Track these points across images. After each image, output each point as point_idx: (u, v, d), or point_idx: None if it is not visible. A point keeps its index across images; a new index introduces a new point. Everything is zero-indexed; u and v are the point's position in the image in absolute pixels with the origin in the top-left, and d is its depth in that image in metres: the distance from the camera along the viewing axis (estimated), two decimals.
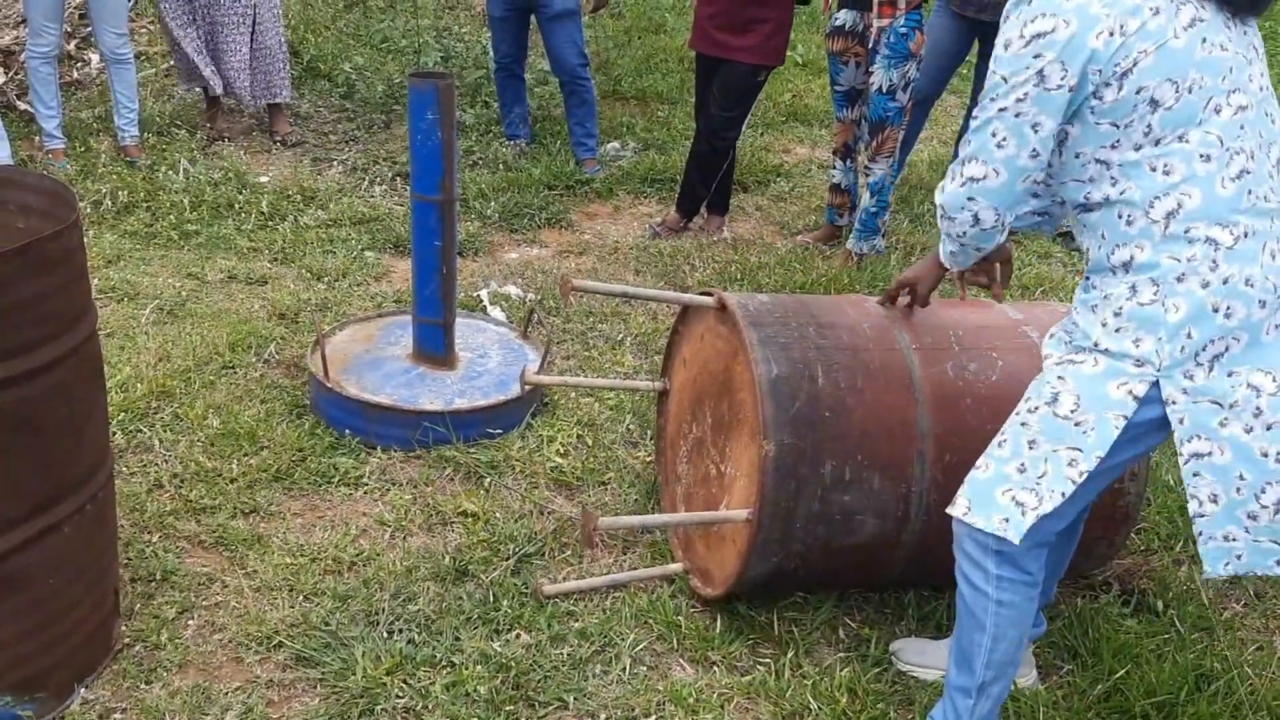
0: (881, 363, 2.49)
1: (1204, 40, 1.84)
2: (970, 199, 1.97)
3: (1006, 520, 1.97)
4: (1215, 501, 1.90)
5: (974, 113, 1.97)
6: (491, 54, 5.77)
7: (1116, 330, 1.91)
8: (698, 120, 4.92)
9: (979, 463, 2.06)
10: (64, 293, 2.02)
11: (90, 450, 2.17)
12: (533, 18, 5.45)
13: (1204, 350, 1.85)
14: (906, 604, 2.71)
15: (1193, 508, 1.92)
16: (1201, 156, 1.84)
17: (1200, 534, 1.93)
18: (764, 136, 6.41)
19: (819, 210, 5.29)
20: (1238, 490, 1.89)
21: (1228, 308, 1.84)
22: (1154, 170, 1.86)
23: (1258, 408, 1.86)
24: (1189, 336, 1.85)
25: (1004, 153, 1.91)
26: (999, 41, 1.91)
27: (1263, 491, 1.89)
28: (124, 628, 2.44)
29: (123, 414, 3.21)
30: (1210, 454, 1.88)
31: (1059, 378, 1.96)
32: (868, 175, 4.67)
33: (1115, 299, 1.91)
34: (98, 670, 2.32)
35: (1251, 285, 1.84)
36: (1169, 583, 2.87)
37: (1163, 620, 2.71)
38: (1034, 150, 1.90)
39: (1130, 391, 1.88)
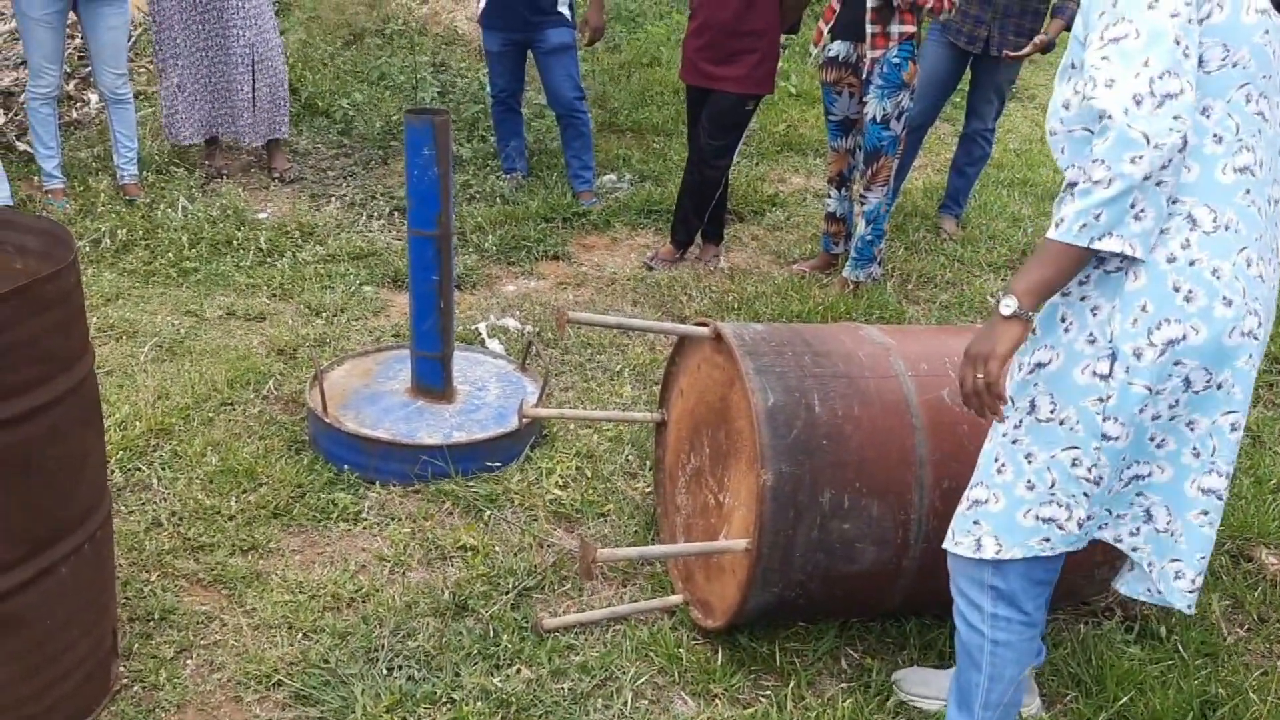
0: (878, 389, 2.49)
1: (1265, 31, 1.83)
2: (1176, 117, 1.68)
3: (1048, 540, 1.95)
4: (1097, 483, 1.90)
5: (1111, 33, 1.73)
6: (488, 88, 5.81)
7: (1081, 299, 1.86)
8: (690, 150, 4.95)
9: (979, 495, 2.01)
10: (61, 333, 2.03)
11: (88, 490, 2.17)
12: (529, 52, 5.50)
13: (1158, 329, 1.80)
14: (908, 633, 2.69)
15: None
16: (1215, 137, 1.81)
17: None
18: (759, 166, 6.45)
19: (815, 239, 5.32)
20: (1121, 475, 1.92)
21: (1189, 291, 1.80)
22: None
23: (1176, 400, 1.85)
24: (1144, 309, 1.81)
25: (1189, 63, 1.72)
26: None
27: (1128, 468, 1.93)
28: (122, 668, 2.43)
29: (121, 452, 3.21)
30: (1116, 439, 1.86)
31: (1034, 385, 1.92)
32: (863, 204, 4.70)
33: (1084, 273, 1.86)
34: (95, 712, 2.30)
35: (1218, 277, 1.80)
36: (1171, 609, 2.85)
37: (1166, 646, 2.69)
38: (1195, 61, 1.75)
39: (1094, 372, 1.85)
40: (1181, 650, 2.67)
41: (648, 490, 3.22)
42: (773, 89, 4.81)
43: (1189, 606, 2.00)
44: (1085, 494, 1.91)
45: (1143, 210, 1.73)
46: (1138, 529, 2.01)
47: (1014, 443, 1.96)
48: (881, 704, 2.47)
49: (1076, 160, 1.80)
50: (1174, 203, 1.81)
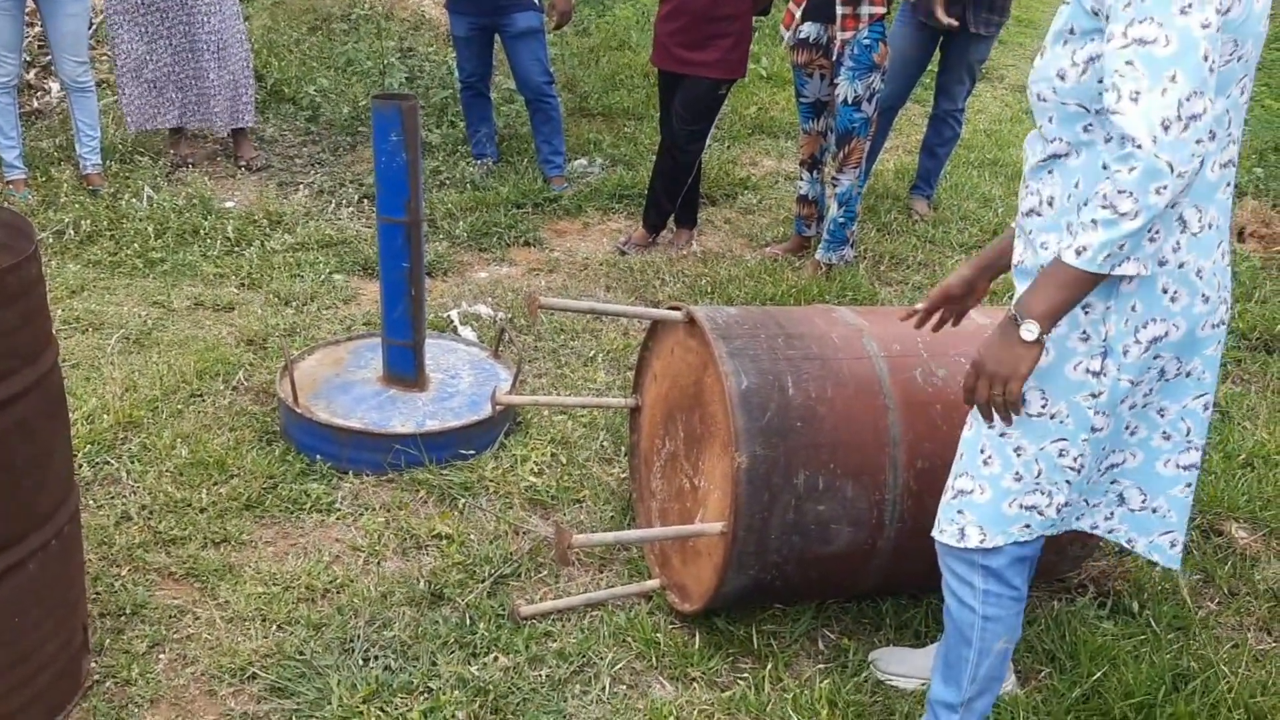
0: (851, 371, 2.49)
1: (1263, 21, 1.75)
2: (1199, 141, 1.62)
3: (1028, 526, 1.98)
4: (1078, 471, 1.94)
5: (1138, 32, 1.62)
6: (457, 74, 5.76)
7: None
8: (663, 135, 4.93)
9: (964, 485, 2.00)
10: (24, 326, 1.99)
11: (54, 485, 2.14)
12: (497, 37, 5.45)
13: (1145, 328, 1.83)
14: (884, 613, 2.71)
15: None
16: (1210, 134, 1.73)
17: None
18: (731, 149, 6.43)
19: (787, 222, 5.32)
20: (1100, 463, 1.96)
21: (1175, 291, 1.81)
22: None
23: (1150, 388, 1.90)
24: (1133, 310, 1.82)
25: (1213, 79, 1.63)
26: None
27: (1106, 458, 1.97)
28: (94, 664, 2.40)
29: (89, 446, 3.17)
30: (1101, 430, 1.90)
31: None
32: (835, 186, 4.69)
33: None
34: (67, 709, 2.27)
35: (1200, 277, 1.82)
36: (1144, 584, 2.88)
37: (1139, 621, 2.72)
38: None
39: (1087, 369, 1.86)
40: (1154, 625, 2.70)
41: (623, 476, 3.22)
42: (745, 73, 4.79)
43: (1173, 563, 2.08)
44: (1068, 481, 1.95)
45: (1156, 231, 1.73)
46: (1111, 513, 2.07)
47: (1002, 435, 1.95)
48: (859, 684, 2.48)
49: (1101, 190, 1.68)
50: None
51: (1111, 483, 2.03)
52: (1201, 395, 1.93)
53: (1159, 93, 1.59)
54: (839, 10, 4.35)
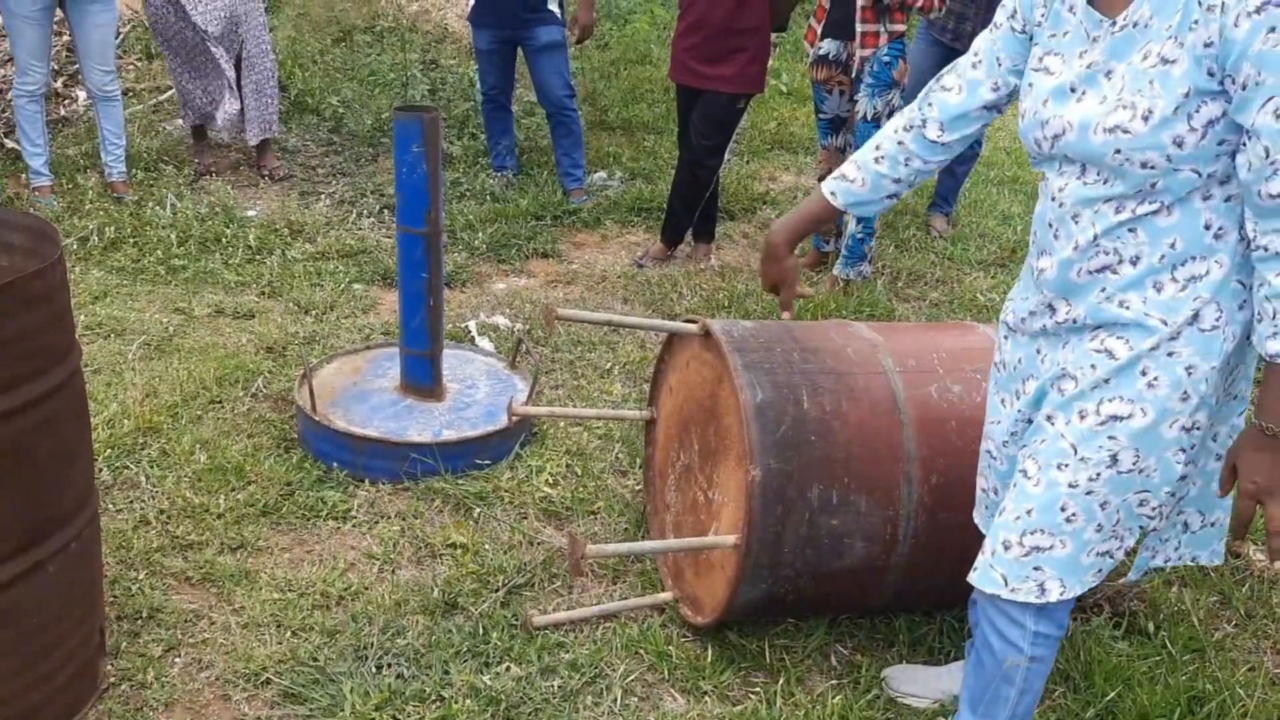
0: (866, 386, 2.50)
1: None
2: None
3: (1100, 571, 1.96)
4: (1165, 518, 1.97)
5: None
6: (479, 86, 5.80)
7: (1169, 355, 1.80)
8: (681, 149, 4.95)
9: (1041, 542, 1.92)
10: (48, 330, 2.02)
11: (76, 487, 2.16)
12: (519, 50, 5.49)
13: (1235, 382, 1.87)
14: (897, 630, 2.70)
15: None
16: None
17: (1147, 546, 2.08)
18: (750, 164, 6.45)
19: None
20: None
21: (1246, 335, 1.82)
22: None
23: (1217, 414, 1.89)
24: (1228, 363, 1.82)
25: None
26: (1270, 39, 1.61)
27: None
28: (110, 666, 2.42)
29: (109, 450, 3.20)
30: (1187, 477, 1.91)
31: (1110, 438, 1.84)
32: None
33: (1169, 325, 1.79)
34: (83, 710, 2.29)
35: (1245, 286, 1.81)
36: (1159, 604, 2.86)
37: (1154, 642, 2.70)
38: None
39: (1183, 426, 1.83)
40: (1169, 646, 2.68)
41: (638, 488, 3.22)
42: (764, 88, 4.81)
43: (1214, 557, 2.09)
44: (1141, 527, 1.94)
45: None
46: (1179, 542, 2.06)
47: (1088, 494, 1.89)
48: (871, 701, 2.47)
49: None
50: (1250, 253, 1.74)
51: (1179, 514, 2.01)
52: (1244, 412, 1.94)
53: None
54: (859, 28, 4.36)
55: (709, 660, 2.56)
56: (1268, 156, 1.62)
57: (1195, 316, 1.78)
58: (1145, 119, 1.72)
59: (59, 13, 5.01)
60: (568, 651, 2.57)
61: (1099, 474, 1.86)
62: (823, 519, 2.40)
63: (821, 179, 4.87)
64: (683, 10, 4.69)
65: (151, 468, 3.17)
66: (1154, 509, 1.91)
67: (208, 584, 2.74)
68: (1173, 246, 1.77)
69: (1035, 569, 1.94)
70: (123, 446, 3.24)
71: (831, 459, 2.40)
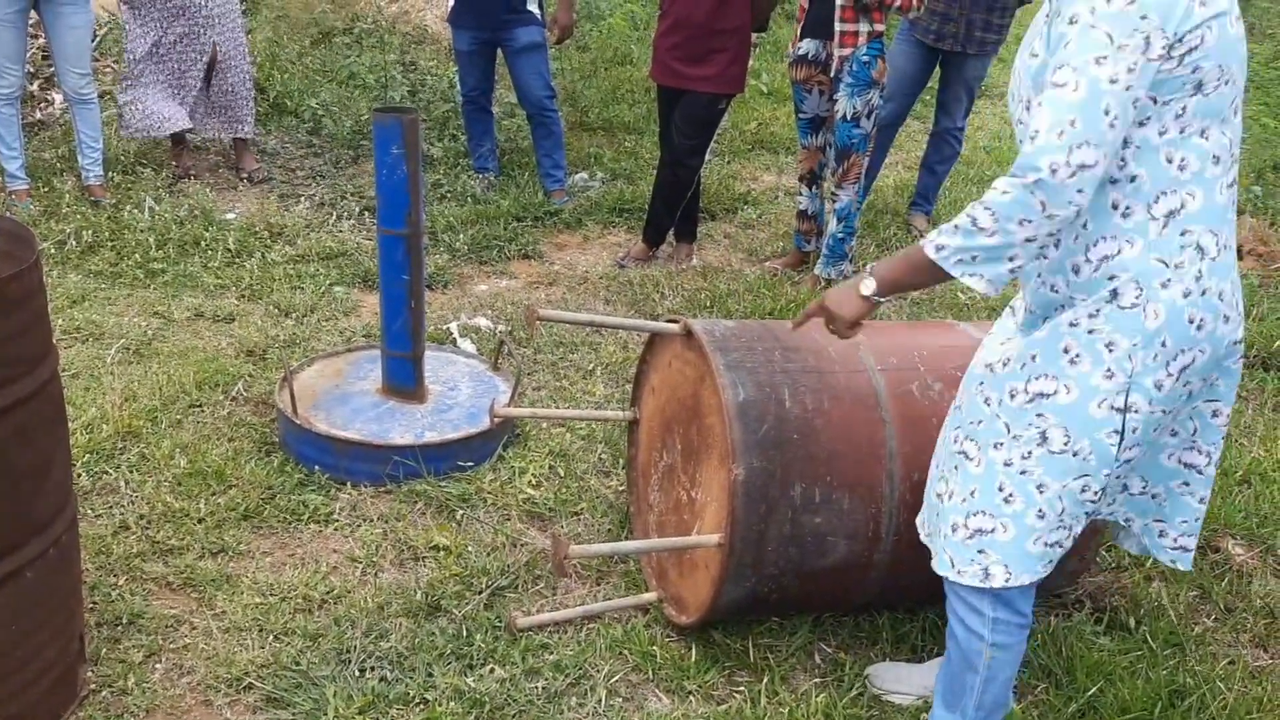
0: (847, 384, 2.50)
1: (1240, 39, 1.78)
2: (1080, 191, 1.69)
3: (1051, 561, 1.99)
4: (1098, 500, 1.98)
5: (1055, 77, 1.69)
6: (459, 88, 5.79)
7: (1089, 332, 1.84)
8: (662, 149, 4.95)
9: (983, 524, 1.98)
10: (24, 334, 2.00)
11: (53, 494, 2.14)
12: (499, 51, 5.48)
13: (1175, 360, 1.84)
14: (881, 627, 2.71)
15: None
16: (1214, 158, 1.78)
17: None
18: (731, 165, 6.46)
19: (786, 237, 5.33)
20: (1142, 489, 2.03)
21: (1200, 319, 1.83)
22: (1170, 162, 1.75)
23: (1177, 410, 1.93)
24: (1163, 345, 1.82)
25: (1114, 134, 1.68)
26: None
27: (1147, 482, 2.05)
28: (90, 673, 2.40)
29: (88, 455, 3.18)
30: (1132, 460, 1.94)
31: (1038, 415, 1.90)
32: (834, 201, 4.71)
33: (1089, 302, 1.84)
34: (64, 718, 2.27)
35: (1222, 299, 1.84)
36: (1140, 600, 2.88)
37: (1135, 637, 2.72)
38: (1123, 130, 1.71)
39: (1111, 406, 1.86)
40: (1150, 641, 2.70)
41: (621, 489, 3.22)
42: (744, 88, 4.82)
43: (1173, 562, 2.11)
44: (1087, 513, 1.97)
45: (1015, 261, 1.77)
46: (1114, 499, 2.10)
47: (1023, 473, 1.93)
48: (855, 699, 2.48)
49: (984, 197, 1.77)
50: (1183, 234, 1.79)
51: (1118, 478, 2.03)
52: (1212, 401, 1.96)
53: (1055, 135, 1.66)
54: (838, 27, 4.38)
55: (693, 660, 2.56)
56: (1032, 108, 1.79)
57: (1114, 294, 1.82)
58: (1028, 108, 1.84)
59: (34, 15, 4.97)
60: (552, 653, 2.56)
61: (1030, 452, 1.91)
62: (806, 517, 2.41)
63: (802, 178, 4.91)
64: (663, 10, 4.69)
65: (131, 472, 3.15)
66: (1096, 494, 1.94)
67: (189, 589, 2.72)
68: (1085, 227, 1.83)
69: (980, 552, 1.99)
70: (102, 451, 3.22)
71: (814, 457, 2.41)
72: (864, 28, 4.37)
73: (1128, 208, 1.79)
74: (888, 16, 4.42)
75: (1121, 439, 1.87)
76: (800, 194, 4.96)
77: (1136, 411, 1.86)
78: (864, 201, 4.95)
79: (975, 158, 6.93)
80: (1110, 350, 1.83)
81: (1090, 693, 2.48)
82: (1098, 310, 1.84)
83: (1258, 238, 5.47)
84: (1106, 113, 1.66)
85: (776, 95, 7.69)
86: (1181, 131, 1.75)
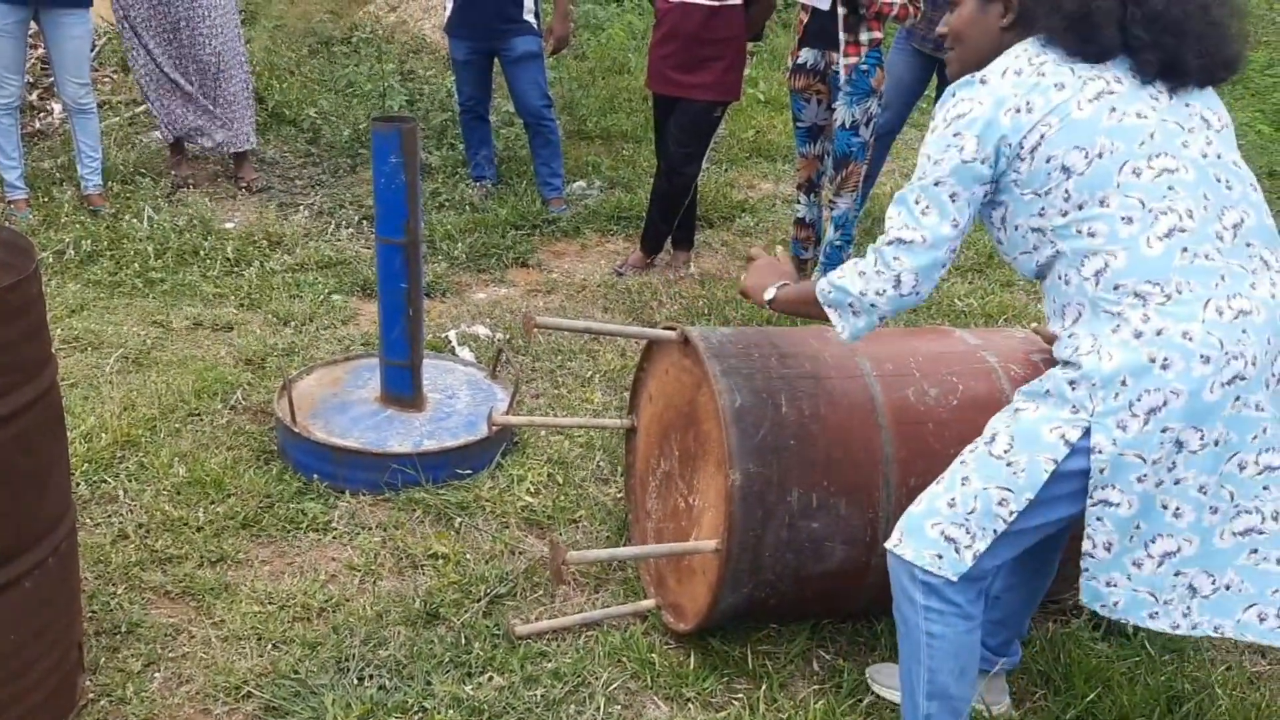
0: (844, 390, 2.51)
1: (1112, 110, 1.92)
2: (896, 258, 2.03)
3: (940, 556, 2.00)
4: (1108, 550, 1.94)
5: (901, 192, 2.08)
6: (456, 97, 5.81)
7: (1062, 370, 1.96)
8: (659, 158, 4.96)
9: (919, 497, 2.09)
10: (23, 343, 2.01)
11: (52, 503, 2.15)
12: (496, 61, 5.50)
13: (1139, 400, 1.85)
14: (879, 634, 2.71)
15: (1086, 545, 1.96)
16: (1124, 219, 1.89)
17: (1085, 570, 1.98)
18: (729, 172, 6.47)
19: (784, 244, 5.34)
20: (1130, 539, 1.93)
21: (1165, 359, 1.84)
22: (1079, 233, 1.93)
23: (1173, 462, 1.88)
24: (1123, 384, 1.85)
25: (928, 219, 2.00)
26: (929, 129, 2.05)
27: (1153, 541, 1.93)
28: (89, 682, 2.40)
29: (87, 465, 3.18)
30: (1118, 505, 1.90)
31: (1005, 423, 1.99)
32: (832, 209, 4.73)
33: (1064, 351, 1.97)
34: None
35: (1190, 339, 1.83)
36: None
37: (1133, 643, 2.72)
38: (954, 220, 2.00)
39: (1063, 435, 1.90)
40: (1148, 647, 2.70)
41: (619, 496, 3.23)
42: (740, 95, 4.83)
43: (1272, 638, 2.01)
44: (995, 530, 1.97)
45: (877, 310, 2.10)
46: (1189, 608, 1.99)
47: (961, 462, 2.04)
48: (854, 705, 2.48)
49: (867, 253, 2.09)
50: (1116, 289, 1.89)
51: (1176, 575, 1.97)
52: (1233, 456, 1.90)
53: (902, 223, 2.05)
54: (841, 37, 4.39)
55: (692, 667, 2.57)
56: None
57: (1076, 349, 1.94)
58: None
59: (34, 25, 4.99)
60: (550, 660, 2.57)
61: (976, 446, 2.02)
62: (803, 522, 2.41)
63: (800, 186, 4.92)
64: (658, 20, 4.71)
65: (130, 481, 3.15)
66: (1010, 513, 1.95)
67: (187, 598, 2.72)
68: (1053, 300, 2.04)
69: (901, 519, 2.10)
70: (101, 460, 3.22)
71: (811, 462, 2.41)
72: (864, 36, 4.39)
73: (1066, 277, 1.97)
74: (885, 25, 4.44)
75: (1058, 470, 1.91)
76: (798, 202, 4.97)
77: (1101, 451, 1.88)
78: (861, 209, 4.96)
79: None
80: (1073, 387, 1.91)
81: (1089, 699, 2.48)
82: (1068, 359, 1.95)
83: None
84: (917, 203, 2.03)
85: (774, 103, 7.71)
86: (1080, 207, 1.92)
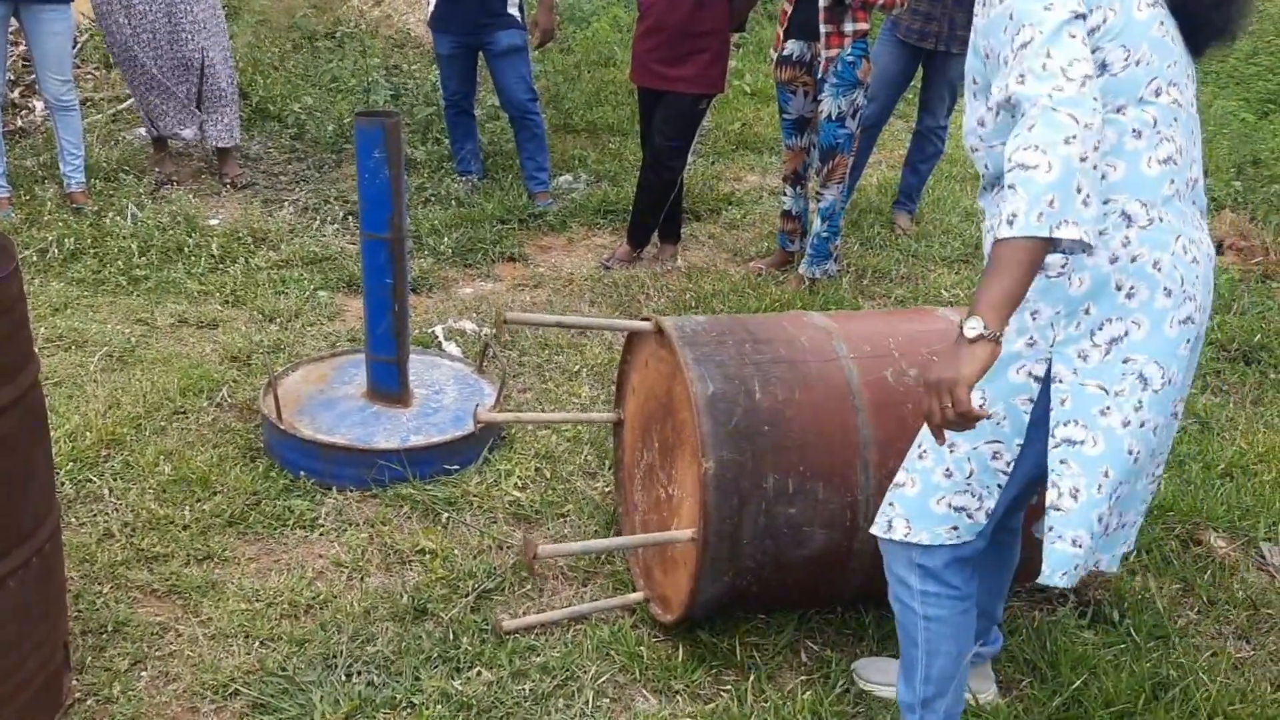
0: (819, 373, 2.50)
1: (1161, 23, 1.85)
2: (1095, 99, 1.67)
3: (955, 528, 1.99)
4: (1075, 497, 1.85)
5: (1018, 38, 1.72)
6: (441, 91, 5.79)
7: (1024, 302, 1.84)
8: (644, 151, 4.96)
9: (899, 479, 2.05)
10: (4, 342, 2.00)
11: (35, 503, 2.14)
12: (481, 54, 5.48)
13: (1101, 329, 1.83)
14: (867, 624, 2.72)
15: (1051, 496, 1.87)
16: (1134, 132, 1.84)
17: (1051, 529, 1.87)
18: (715, 165, 6.47)
19: (771, 237, 5.34)
20: (1099, 488, 1.84)
21: (1131, 287, 1.82)
22: None
23: (1139, 401, 1.83)
24: (1086, 313, 1.83)
25: (1086, 51, 1.71)
26: (1001, 11, 1.78)
27: (1115, 493, 1.87)
28: (75, 682, 2.39)
29: (71, 464, 3.17)
30: (1083, 443, 1.84)
31: None
32: (818, 201, 4.73)
33: None
34: None
35: (1159, 269, 1.83)
36: (1124, 593, 2.90)
37: (1119, 630, 2.74)
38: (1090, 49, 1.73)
39: (1030, 373, 1.88)
40: (1134, 634, 2.72)
41: (607, 490, 3.23)
42: (725, 88, 4.83)
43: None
44: (999, 485, 1.96)
45: (1087, 196, 1.63)
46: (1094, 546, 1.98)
47: None
48: (841, 696, 2.49)
49: (1009, 155, 1.68)
50: (1106, 202, 1.83)
51: (1118, 517, 1.98)
52: (1178, 400, 1.94)
53: (1040, 67, 1.67)
54: (823, 28, 4.39)
55: (680, 660, 2.57)
56: (1002, 82, 1.75)
57: (1044, 265, 1.78)
58: (965, 113, 1.95)
59: (14, 22, 4.95)
60: (539, 655, 2.57)
61: None
62: (780, 508, 2.41)
63: (786, 178, 4.92)
64: (642, 13, 4.70)
65: (115, 480, 3.14)
66: (1007, 463, 1.94)
67: (174, 596, 2.71)
68: None
69: (889, 504, 2.05)
70: (85, 459, 3.20)
71: (786, 447, 2.41)
72: (849, 27, 4.39)
73: None
74: (872, 15, 4.44)
75: (1047, 409, 1.85)
76: (784, 194, 4.98)
77: (1062, 381, 1.85)
78: (848, 201, 4.97)
79: (958, 156, 6.95)
80: (1034, 318, 1.87)
81: (1074, 686, 2.49)
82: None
83: (1237, 232, 5.50)
84: (1073, 36, 1.69)
85: (760, 95, 7.70)
86: None
